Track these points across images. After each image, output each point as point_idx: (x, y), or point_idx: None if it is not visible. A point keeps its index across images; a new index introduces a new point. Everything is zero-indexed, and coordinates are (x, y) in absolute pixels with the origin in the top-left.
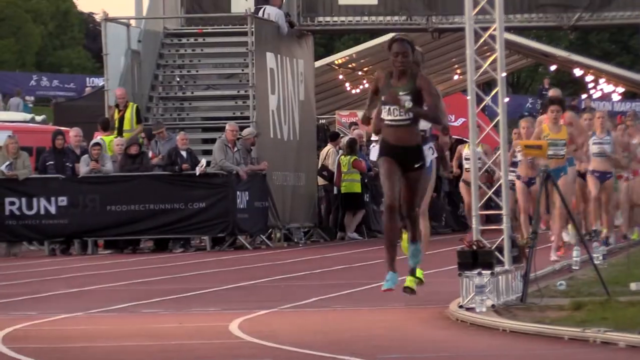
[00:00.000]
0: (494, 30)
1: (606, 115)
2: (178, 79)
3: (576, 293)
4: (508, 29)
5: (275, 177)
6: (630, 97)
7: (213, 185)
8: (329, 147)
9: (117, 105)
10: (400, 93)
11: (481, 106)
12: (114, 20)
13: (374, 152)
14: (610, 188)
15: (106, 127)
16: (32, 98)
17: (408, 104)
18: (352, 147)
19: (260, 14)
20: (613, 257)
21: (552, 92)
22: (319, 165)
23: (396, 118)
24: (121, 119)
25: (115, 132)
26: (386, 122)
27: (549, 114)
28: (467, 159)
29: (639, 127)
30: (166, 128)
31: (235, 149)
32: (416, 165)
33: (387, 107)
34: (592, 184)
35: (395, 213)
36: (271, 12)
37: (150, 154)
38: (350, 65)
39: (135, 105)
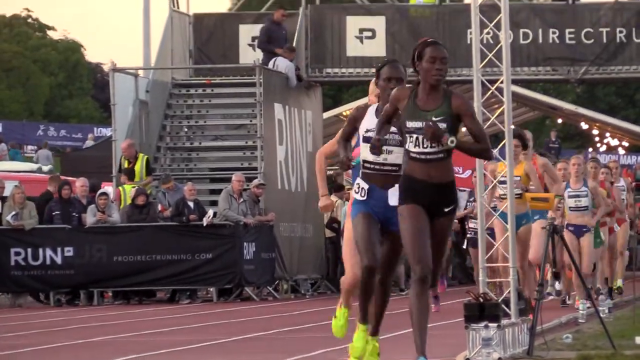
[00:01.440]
0: (502, 82)
1: (582, 162)
2: (186, 130)
3: (582, 346)
4: (515, 82)
5: (282, 228)
6: (636, 151)
7: (220, 236)
8: (334, 199)
9: (126, 158)
10: (434, 119)
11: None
12: (122, 70)
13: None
14: (588, 245)
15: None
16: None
17: (451, 141)
18: None
19: (270, 64)
20: (619, 311)
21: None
22: (328, 217)
23: (427, 151)
24: (131, 171)
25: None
26: (412, 155)
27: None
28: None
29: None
30: (174, 178)
31: (242, 199)
32: (447, 209)
33: (414, 136)
34: (568, 240)
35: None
36: (281, 64)
37: (159, 207)
38: None
39: (145, 157)
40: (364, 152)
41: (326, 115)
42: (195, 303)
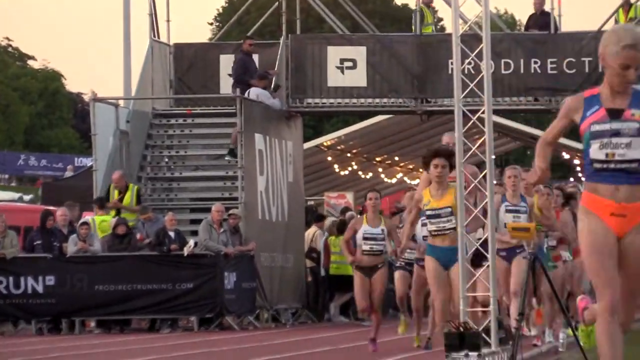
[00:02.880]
0: (483, 113)
1: (520, 174)
2: (167, 160)
3: None
4: (497, 112)
5: (263, 258)
6: None
7: (201, 265)
8: (314, 229)
9: (116, 188)
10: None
11: (469, 189)
12: (102, 100)
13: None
14: (518, 264)
15: (102, 205)
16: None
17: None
18: (343, 229)
19: (246, 95)
20: None
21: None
22: (307, 247)
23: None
24: (120, 201)
25: (114, 212)
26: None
27: (432, 171)
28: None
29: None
30: (154, 208)
31: (222, 229)
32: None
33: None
34: (500, 270)
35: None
36: (254, 92)
37: (138, 236)
38: (339, 147)
39: (136, 187)
40: None
41: (307, 145)
42: (176, 332)
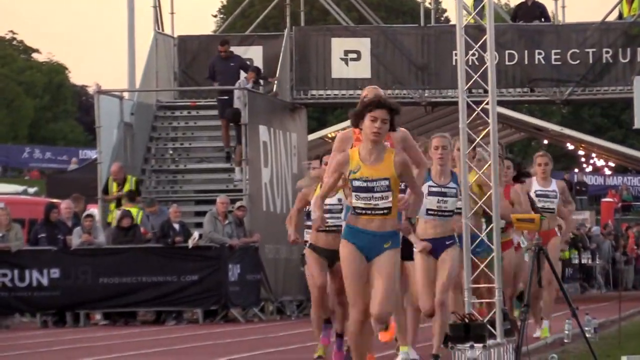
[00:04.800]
0: (487, 104)
1: (450, 144)
2: (171, 152)
3: None
4: (501, 103)
5: (267, 250)
6: (622, 172)
7: (205, 258)
8: None
9: (115, 180)
10: None
11: (474, 179)
12: (106, 93)
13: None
14: (452, 257)
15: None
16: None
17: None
18: None
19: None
20: (605, 330)
21: (368, 91)
22: None
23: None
24: (131, 193)
25: (114, 205)
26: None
27: (368, 126)
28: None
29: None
30: (159, 201)
31: (227, 221)
32: None
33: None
34: (420, 266)
35: None
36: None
37: (142, 229)
38: None
39: (134, 179)
40: None
41: (311, 137)
42: (181, 324)
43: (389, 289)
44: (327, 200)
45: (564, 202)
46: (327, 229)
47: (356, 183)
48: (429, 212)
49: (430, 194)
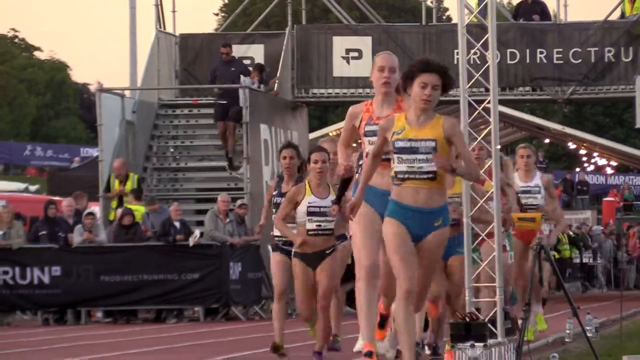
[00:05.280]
0: (488, 103)
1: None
2: (172, 150)
3: None
4: (502, 102)
5: (269, 248)
6: (624, 171)
7: (206, 256)
8: None
9: (117, 177)
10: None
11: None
12: (108, 90)
13: None
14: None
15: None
16: None
17: None
18: None
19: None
20: (606, 330)
21: (381, 58)
22: None
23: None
24: (137, 190)
25: (116, 202)
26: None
27: (417, 92)
28: None
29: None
30: (160, 199)
31: (228, 220)
32: None
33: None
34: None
35: None
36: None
37: (142, 227)
38: None
39: (136, 176)
40: None
41: (312, 135)
42: (182, 323)
43: (430, 273)
44: (321, 203)
45: (548, 196)
46: (321, 232)
47: (399, 144)
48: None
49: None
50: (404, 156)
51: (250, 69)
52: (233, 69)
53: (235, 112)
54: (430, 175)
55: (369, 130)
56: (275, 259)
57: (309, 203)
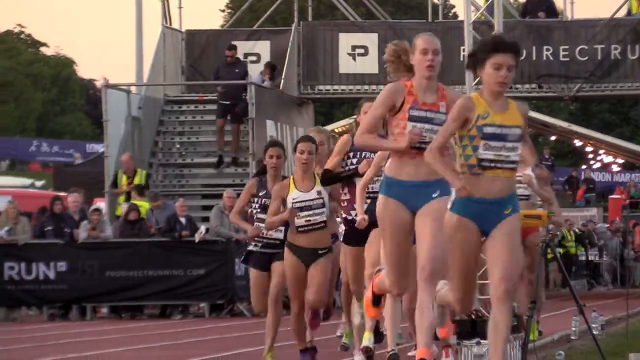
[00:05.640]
0: None
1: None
2: (178, 146)
3: None
4: None
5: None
6: (630, 168)
7: (212, 252)
8: None
9: (124, 172)
10: None
11: None
12: (114, 86)
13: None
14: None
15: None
16: None
17: None
18: None
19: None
20: (612, 327)
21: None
22: None
23: None
24: (141, 186)
25: (123, 197)
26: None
27: (491, 74)
28: None
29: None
30: (165, 194)
31: None
32: None
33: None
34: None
35: None
36: (254, 76)
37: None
38: None
39: (144, 172)
40: None
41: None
42: (187, 319)
43: (514, 261)
44: (305, 196)
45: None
46: (311, 227)
47: (488, 130)
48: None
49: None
50: (492, 143)
51: (250, 72)
52: (237, 70)
53: (241, 108)
54: (513, 165)
55: (414, 115)
56: (252, 278)
57: (293, 199)
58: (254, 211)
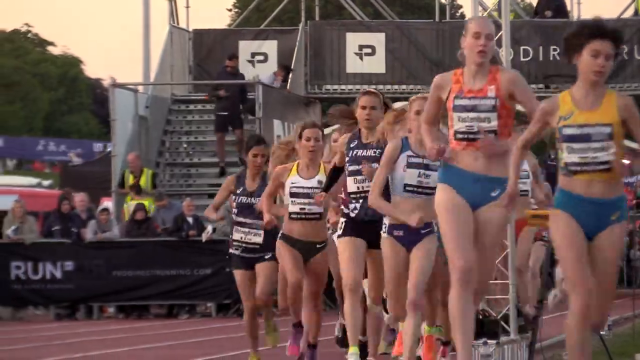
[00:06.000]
0: None
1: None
2: (185, 145)
3: None
4: None
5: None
6: None
7: (219, 251)
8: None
9: (131, 171)
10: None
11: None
12: (121, 86)
13: None
14: (427, 256)
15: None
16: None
17: None
18: None
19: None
20: (619, 328)
21: (476, 23)
22: None
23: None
24: (137, 185)
25: (129, 197)
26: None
27: (589, 61)
28: None
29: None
30: (172, 194)
31: None
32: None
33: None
34: (390, 259)
35: None
36: (263, 78)
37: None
38: None
39: (151, 172)
40: None
41: (325, 131)
42: (194, 318)
43: (613, 276)
44: (305, 183)
45: (535, 182)
46: (304, 216)
47: (568, 131)
48: (407, 188)
49: (410, 165)
50: (575, 145)
51: (257, 71)
52: (236, 78)
53: (248, 107)
54: (606, 166)
55: (458, 105)
56: (237, 278)
57: (292, 183)
58: (233, 211)
